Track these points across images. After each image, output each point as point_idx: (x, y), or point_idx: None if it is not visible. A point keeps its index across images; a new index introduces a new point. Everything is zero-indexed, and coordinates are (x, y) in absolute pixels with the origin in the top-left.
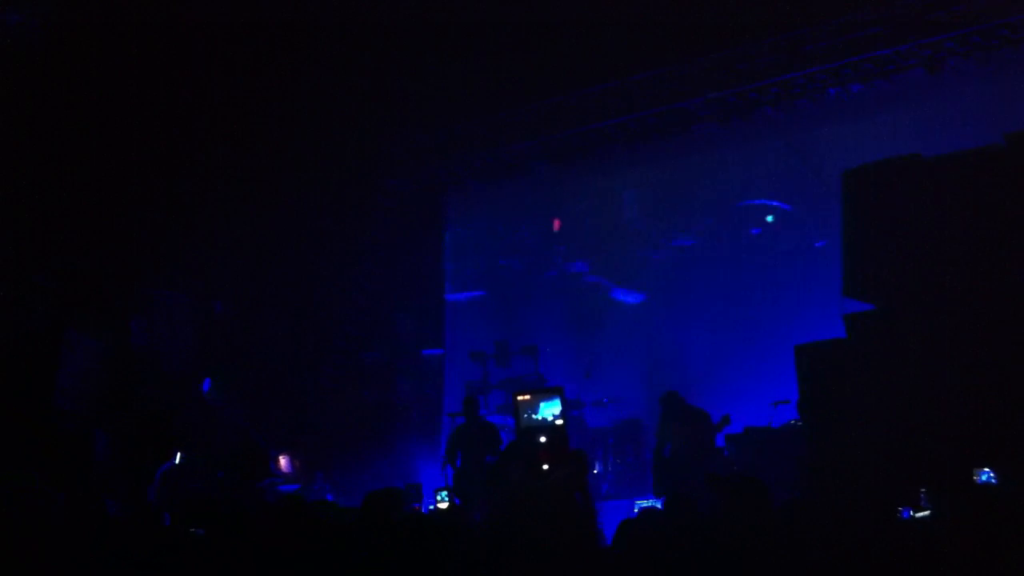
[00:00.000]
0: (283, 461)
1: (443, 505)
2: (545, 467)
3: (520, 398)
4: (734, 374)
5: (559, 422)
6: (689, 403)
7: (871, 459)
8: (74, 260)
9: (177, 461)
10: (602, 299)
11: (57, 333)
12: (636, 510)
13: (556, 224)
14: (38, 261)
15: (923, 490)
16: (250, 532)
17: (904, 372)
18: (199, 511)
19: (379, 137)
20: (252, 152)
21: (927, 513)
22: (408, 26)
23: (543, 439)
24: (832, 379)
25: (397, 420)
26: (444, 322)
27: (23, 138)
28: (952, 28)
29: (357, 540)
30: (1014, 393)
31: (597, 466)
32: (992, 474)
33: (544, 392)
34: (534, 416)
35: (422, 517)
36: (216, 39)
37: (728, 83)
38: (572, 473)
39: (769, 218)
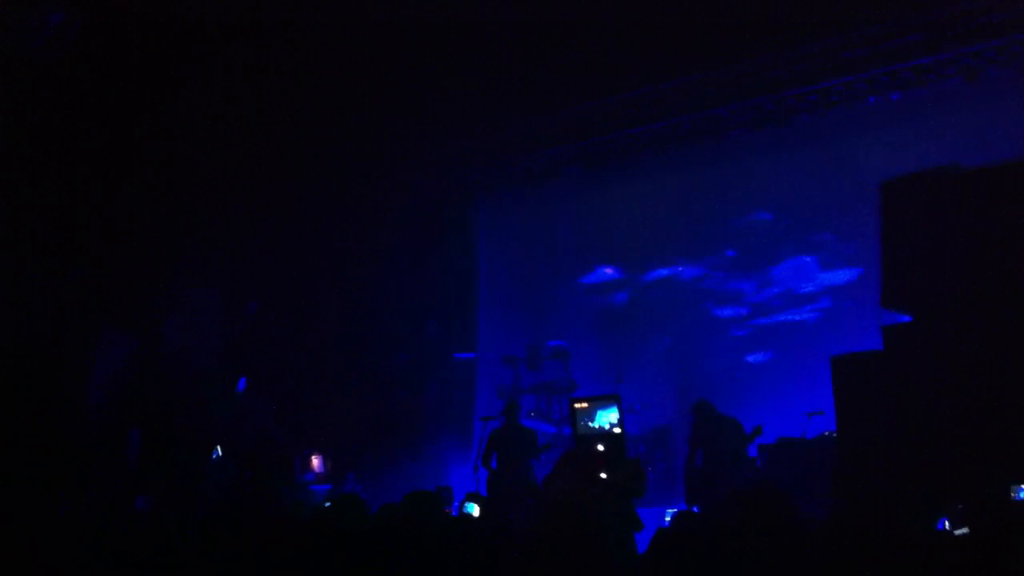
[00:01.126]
0: (316, 461)
1: (475, 512)
2: (603, 475)
3: (577, 406)
4: (768, 383)
5: (617, 430)
6: (721, 412)
7: (907, 473)
8: (108, 259)
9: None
10: (634, 304)
11: (92, 331)
12: (667, 518)
13: None
14: (72, 260)
15: (960, 506)
16: (272, 543)
17: (942, 385)
18: (224, 517)
19: (412, 141)
20: (287, 155)
21: (965, 530)
22: (440, 30)
23: (600, 447)
24: (868, 391)
25: (428, 423)
26: (476, 326)
27: (58, 138)
28: (992, 36)
29: (398, 543)
30: None
31: None
32: None
33: (601, 400)
34: (591, 424)
35: (465, 521)
36: (252, 41)
37: (764, 90)
38: (629, 480)
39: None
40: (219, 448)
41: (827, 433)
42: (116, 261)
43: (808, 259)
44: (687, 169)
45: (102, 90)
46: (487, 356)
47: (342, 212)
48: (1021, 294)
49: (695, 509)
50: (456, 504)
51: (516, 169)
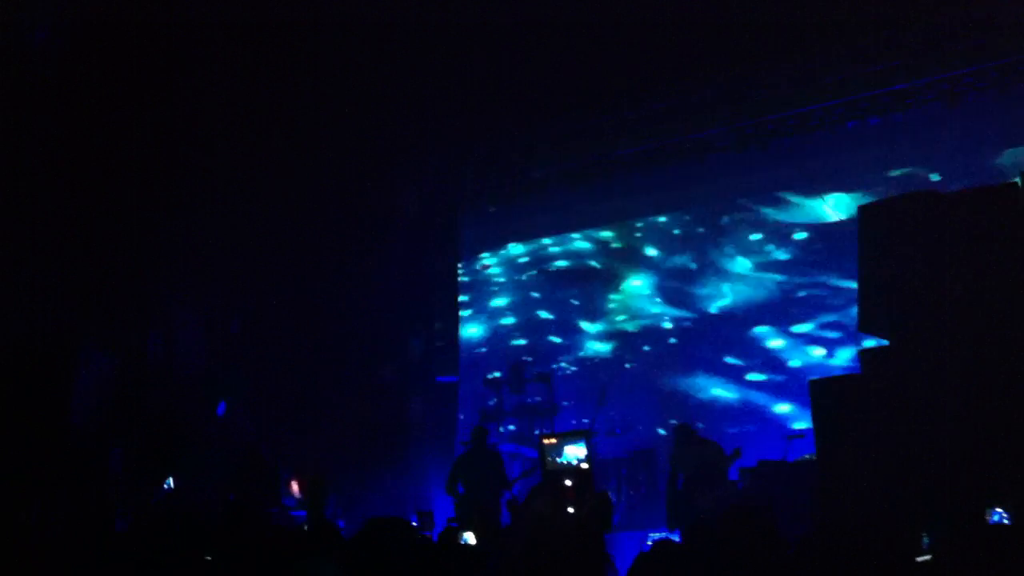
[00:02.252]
0: (295, 486)
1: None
2: (570, 509)
3: (546, 441)
4: (748, 405)
5: (584, 465)
6: (701, 435)
7: (885, 495)
8: (90, 275)
9: (171, 485)
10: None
11: (72, 348)
12: (650, 542)
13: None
14: (54, 276)
15: (932, 528)
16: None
17: (917, 408)
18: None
19: (396, 157)
20: (270, 171)
21: (930, 554)
22: (429, 44)
23: (568, 482)
24: (846, 414)
25: (410, 445)
26: (458, 347)
27: (39, 153)
28: (971, 63)
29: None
30: None
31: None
32: (1004, 514)
33: (569, 435)
34: (558, 459)
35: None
36: (237, 54)
37: (746, 113)
38: (596, 514)
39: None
40: (170, 479)
41: (808, 456)
42: (99, 277)
43: None
44: (674, 188)
45: (86, 106)
46: (470, 377)
47: (326, 231)
48: (996, 318)
49: (676, 533)
50: (438, 530)
51: (501, 186)
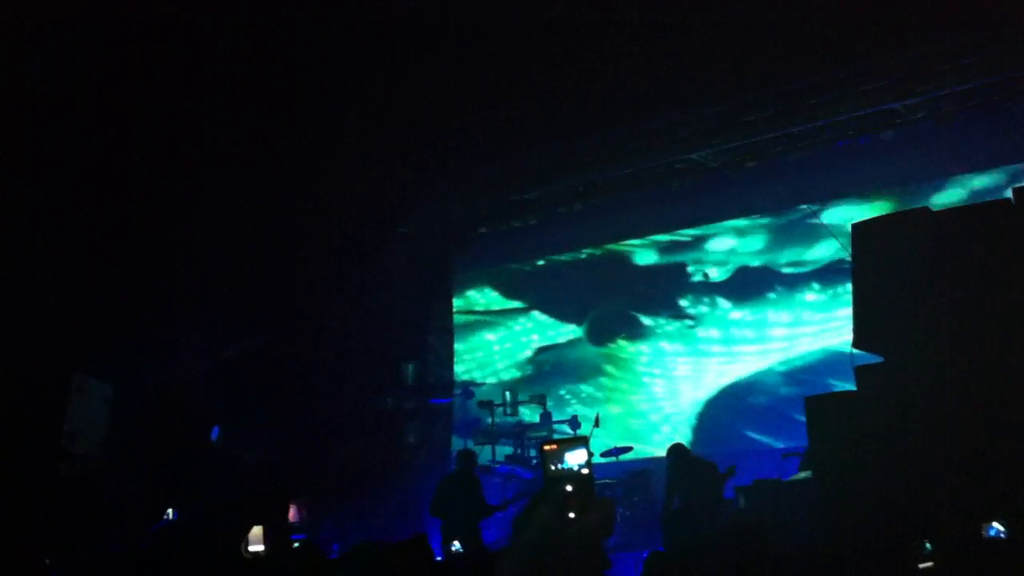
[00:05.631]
0: (291, 511)
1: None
2: (572, 515)
3: (546, 448)
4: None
5: (585, 471)
6: (695, 454)
7: (881, 512)
8: (88, 301)
9: (171, 516)
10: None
11: (70, 374)
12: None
13: None
14: (51, 301)
15: (928, 543)
16: None
17: (912, 425)
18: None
19: (390, 182)
20: (264, 195)
21: (931, 564)
22: (419, 73)
23: (569, 488)
24: (843, 431)
25: (405, 468)
26: (452, 370)
27: (35, 176)
28: (960, 82)
29: None
30: (1022, 447)
31: None
32: (1000, 529)
33: (569, 442)
34: (560, 466)
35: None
36: (234, 75)
37: (735, 135)
38: (599, 521)
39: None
40: (171, 510)
41: (803, 474)
42: (96, 303)
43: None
44: (665, 207)
45: (83, 126)
46: (464, 400)
47: (322, 257)
48: (990, 334)
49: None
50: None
51: (494, 209)
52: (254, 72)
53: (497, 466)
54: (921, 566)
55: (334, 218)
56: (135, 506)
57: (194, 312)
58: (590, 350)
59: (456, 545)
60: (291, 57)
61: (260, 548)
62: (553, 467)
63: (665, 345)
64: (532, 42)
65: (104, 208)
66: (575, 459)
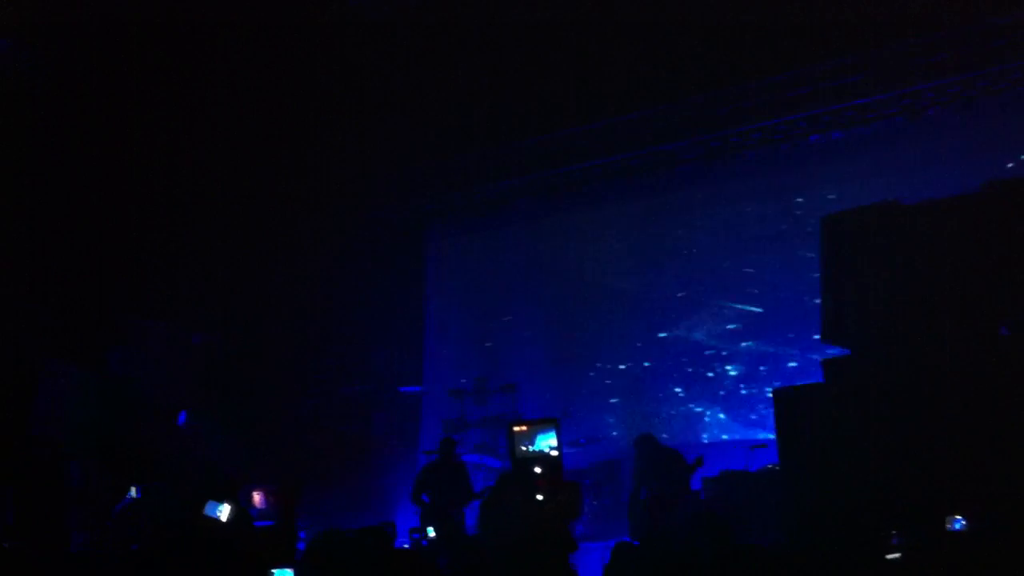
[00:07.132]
0: (257, 497)
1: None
2: (540, 496)
3: (516, 429)
4: (712, 415)
5: (554, 453)
6: (663, 444)
7: (847, 504)
8: (52, 287)
9: (134, 495)
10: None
11: (36, 361)
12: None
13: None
14: (15, 287)
15: (895, 535)
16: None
17: (879, 417)
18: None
19: (362, 170)
20: (233, 184)
21: (897, 555)
22: (395, 60)
23: (538, 469)
24: (810, 423)
25: (374, 457)
26: (423, 358)
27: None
28: (932, 78)
29: None
30: (987, 440)
31: None
32: (965, 522)
33: (540, 423)
34: (530, 447)
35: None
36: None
37: (710, 128)
38: (567, 503)
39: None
40: (134, 488)
41: (771, 466)
42: (61, 289)
43: None
44: (637, 199)
45: (59, 120)
46: (434, 389)
47: (290, 241)
48: (956, 328)
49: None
50: (400, 540)
51: (466, 199)
52: (223, 61)
53: (465, 455)
54: (888, 557)
55: (303, 205)
56: (99, 489)
57: (162, 299)
58: None
59: (431, 531)
60: (262, 49)
61: (220, 516)
62: (523, 447)
63: None
64: (508, 36)
65: (69, 196)
66: (545, 441)
